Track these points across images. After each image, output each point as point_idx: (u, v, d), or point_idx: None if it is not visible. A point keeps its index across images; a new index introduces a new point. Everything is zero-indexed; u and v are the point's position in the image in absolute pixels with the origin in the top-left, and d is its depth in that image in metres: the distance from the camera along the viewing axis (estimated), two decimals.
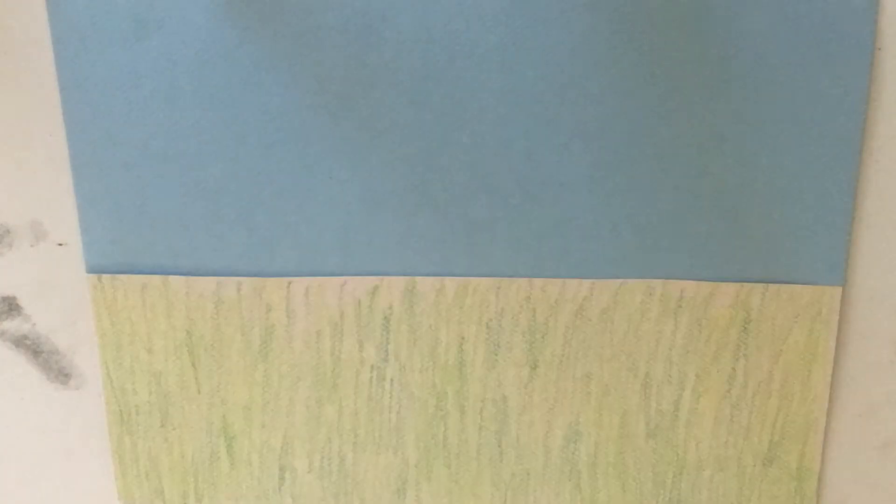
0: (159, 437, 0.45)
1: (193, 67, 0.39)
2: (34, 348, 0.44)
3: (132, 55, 0.39)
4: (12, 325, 0.43)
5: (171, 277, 0.42)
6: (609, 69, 0.38)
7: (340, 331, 0.43)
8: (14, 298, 0.43)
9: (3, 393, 0.44)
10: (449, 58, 0.38)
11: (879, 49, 0.38)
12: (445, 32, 0.38)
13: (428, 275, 0.42)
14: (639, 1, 0.38)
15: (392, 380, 0.43)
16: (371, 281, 0.42)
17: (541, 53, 0.38)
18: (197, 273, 0.42)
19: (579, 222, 0.41)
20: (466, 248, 0.41)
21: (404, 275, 0.42)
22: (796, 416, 0.43)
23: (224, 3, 0.38)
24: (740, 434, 0.44)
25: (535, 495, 0.45)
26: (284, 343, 0.43)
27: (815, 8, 0.37)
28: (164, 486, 0.45)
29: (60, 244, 0.42)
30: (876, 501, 0.45)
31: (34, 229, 0.42)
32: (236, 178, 0.40)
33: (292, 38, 0.38)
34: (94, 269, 0.42)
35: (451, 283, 0.42)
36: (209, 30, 0.38)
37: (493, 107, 0.39)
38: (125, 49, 0.39)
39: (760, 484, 0.44)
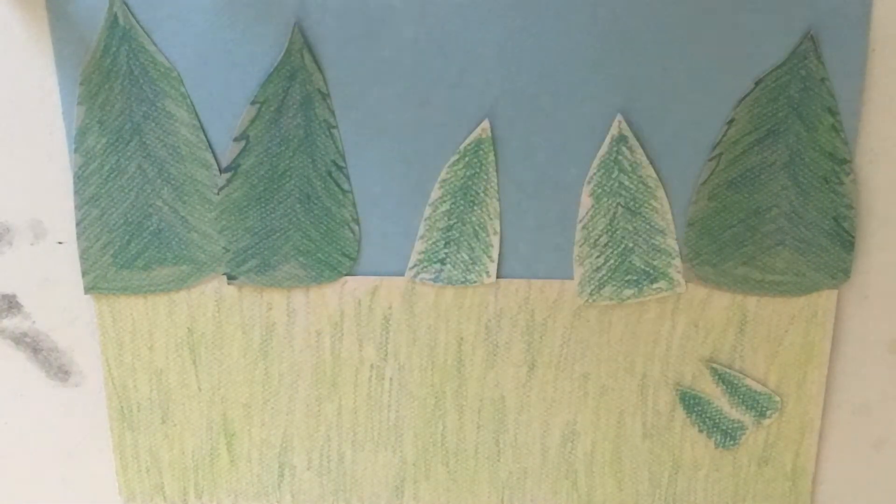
0: (160, 433, 0.45)
1: (190, 66, 0.39)
2: (34, 346, 0.44)
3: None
4: (12, 322, 0.43)
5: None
6: (607, 69, 0.38)
7: (340, 330, 0.43)
8: (14, 296, 0.43)
9: (2, 390, 0.45)
10: (448, 58, 0.38)
11: (874, 51, 0.38)
12: (445, 32, 0.38)
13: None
14: (637, 1, 0.38)
15: (391, 379, 0.44)
16: (371, 281, 0.42)
17: (540, 53, 0.38)
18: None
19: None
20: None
21: (404, 275, 0.42)
22: (791, 417, 0.44)
23: (225, 3, 0.38)
24: None
25: (532, 494, 0.45)
26: (285, 342, 0.43)
27: (810, 10, 0.37)
28: (164, 482, 0.46)
29: (60, 242, 0.42)
30: (870, 500, 0.45)
31: (34, 228, 0.42)
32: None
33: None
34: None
35: None
36: (208, 30, 0.38)
37: (492, 106, 0.39)
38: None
39: (756, 483, 0.45)
